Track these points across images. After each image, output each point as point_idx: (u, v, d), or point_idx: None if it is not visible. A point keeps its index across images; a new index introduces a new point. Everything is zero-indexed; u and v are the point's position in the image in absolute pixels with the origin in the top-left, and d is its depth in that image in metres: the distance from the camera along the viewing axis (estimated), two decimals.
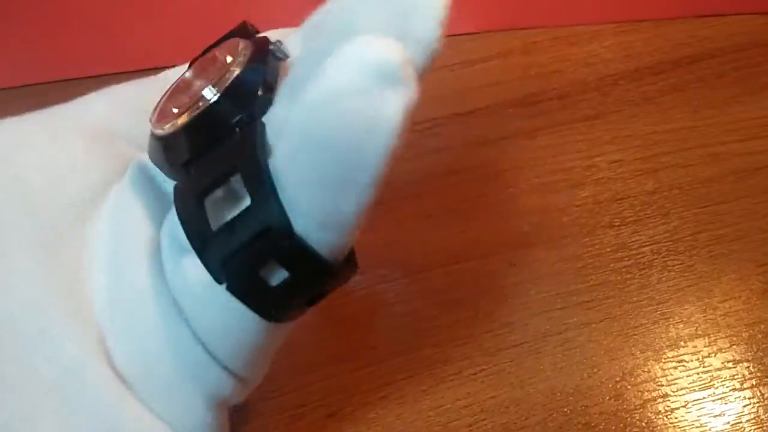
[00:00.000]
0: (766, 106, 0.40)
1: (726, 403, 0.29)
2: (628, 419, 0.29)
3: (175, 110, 0.20)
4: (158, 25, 0.43)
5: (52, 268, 0.19)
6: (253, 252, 0.18)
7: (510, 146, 0.39)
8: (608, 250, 0.34)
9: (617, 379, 0.30)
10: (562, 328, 0.32)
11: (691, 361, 0.31)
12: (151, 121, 0.21)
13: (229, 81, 0.20)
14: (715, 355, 0.31)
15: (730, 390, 0.30)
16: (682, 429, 0.29)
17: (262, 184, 0.17)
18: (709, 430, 0.29)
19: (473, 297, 0.33)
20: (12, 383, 0.18)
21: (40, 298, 0.19)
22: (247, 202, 0.18)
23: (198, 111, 0.20)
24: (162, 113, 0.21)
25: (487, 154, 0.39)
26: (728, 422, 0.29)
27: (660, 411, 0.29)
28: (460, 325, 0.33)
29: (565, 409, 0.30)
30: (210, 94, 0.20)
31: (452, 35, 0.44)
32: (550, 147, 0.39)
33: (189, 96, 0.20)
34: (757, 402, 0.29)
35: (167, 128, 0.20)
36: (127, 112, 0.23)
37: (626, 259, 0.34)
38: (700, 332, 0.31)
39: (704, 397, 0.30)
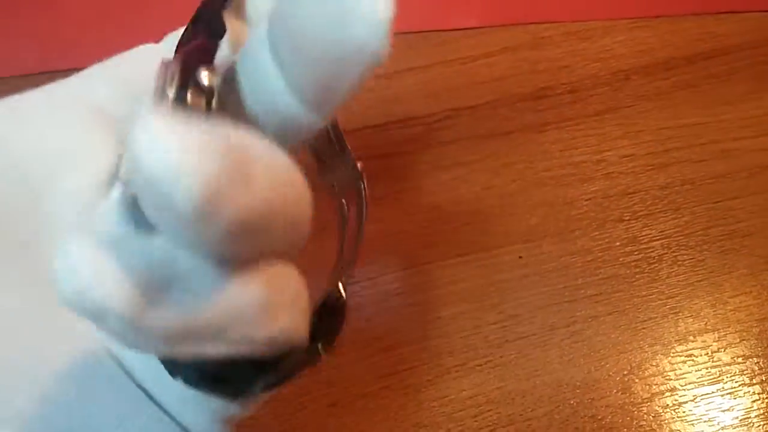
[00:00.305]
0: None
1: (735, 398, 0.29)
2: (635, 412, 0.29)
3: None
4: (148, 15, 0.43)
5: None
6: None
7: (519, 140, 0.39)
8: (618, 244, 0.34)
9: (625, 372, 0.30)
10: (569, 320, 0.32)
11: (701, 355, 0.30)
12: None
13: None
14: (724, 350, 0.30)
15: (739, 385, 0.29)
16: (690, 423, 0.28)
17: None
18: (717, 424, 0.28)
19: (480, 289, 0.33)
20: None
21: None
22: None
23: None
24: None
25: (496, 148, 0.39)
26: (737, 417, 0.28)
27: (668, 405, 0.29)
28: (466, 316, 0.32)
29: (572, 402, 0.29)
30: None
31: (462, 29, 0.44)
32: (560, 141, 0.39)
33: None
34: (766, 397, 0.29)
35: None
36: (125, 96, 0.22)
37: (636, 253, 0.34)
38: (709, 327, 0.31)
39: (713, 392, 0.29)
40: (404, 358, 0.31)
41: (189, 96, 0.16)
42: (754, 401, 0.29)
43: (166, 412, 0.18)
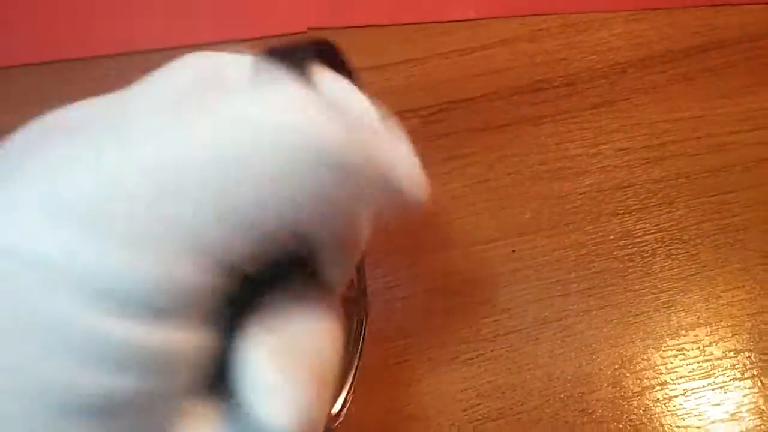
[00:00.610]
0: None
1: (725, 393, 0.29)
2: (626, 406, 0.29)
3: None
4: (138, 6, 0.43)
5: None
6: None
7: (515, 133, 0.39)
8: (611, 237, 0.34)
9: (616, 366, 0.30)
10: (561, 314, 0.32)
11: (692, 349, 0.30)
12: None
13: None
14: (716, 345, 0.30)
15: (730, 379, 0.29)
16: (680, 417, 0.28)
17: None
18: (708, 418, 0.28)
19: (473, 283, 0.33)
20: None
21: None
22: None
23: None
24: None
25: (492, 140, 0.38)
26: (727, 411, 0.28)
27: (658, 399, 0.29)
28: (458, 310, 0.32)
29: (562, 395, 0.29)
30: None
31: (460, 21, 0.44)
32: (556, 134, 0.38)
33: None
34: (757, 392, 0.29)
35: None
36: None
37: (629, 246, 0.34)
38: (701, 321, 0.31)
39: (704, 386, 0.29)
40: (396, 351, 0.31)
41: None
42: (744, 395, 0.29)
43: None
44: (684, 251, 0.33)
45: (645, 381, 0.29)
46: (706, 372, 0.29)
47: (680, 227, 0.34)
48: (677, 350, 0.30)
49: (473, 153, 0.38)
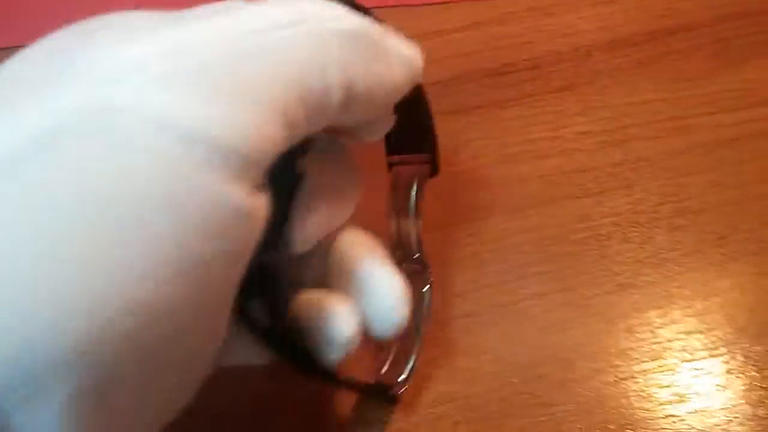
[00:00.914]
0: (741, 79, 0.39)
1: (675, 375, 0.29)
2: (577, 389, 0.29)
3: None
4: None
5: None
6: None
7: (479, 117, 0.39)
8: (569, 221, 0.34)
9: (568, 349, 0.30)
10: (516, 298, 0.32)
11: (643, 332, 0.30)
12: None
13: None
14: (667, 327, 0.30)
15: (680, 361, 0.29)
16: (628, 399, 0.29)
17: None
18: (657, 400, 0.28)
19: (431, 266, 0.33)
20: None
21: None
22: None
23: None
24: None
25: (456, 125, 0.39)
26: (675, 393, 0.29)
27: (609, 381, 0.29)
28: None
29: (514, 379, 0.30)
30: None
31: (430, 4, 0.44)
32: (520, 118, 0.39)
33: None
34: (706, 374, 0.29)
35: None
36: None
37: (586, 230, 0.34)
38: (654, 304, 0.31)
39: (653, 368, 0.29)
40: None
41: None
42: (694, 377, 0.29)
43: None
44: (639, 234, 0.33)
45: (596, 364, 0.30)
46: (656, 354, 0.30)
47: (637, 210, 0.34)
48: (628, 332, 0.30)
49: (440, 136, 0.38)
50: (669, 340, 0.30)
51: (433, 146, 0.28)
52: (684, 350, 0.30)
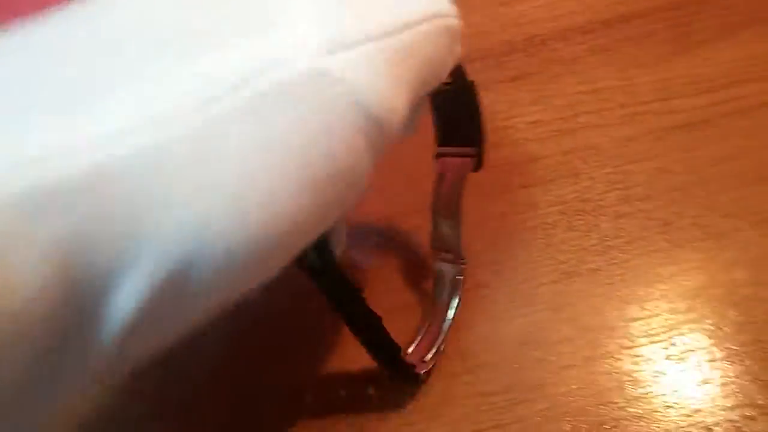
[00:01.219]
0: (693, 64, 0.39)
1: (615, 362, 0.29)
2: (520, 375, 0.29)
3: None
4: None
5: None
6: None
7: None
8: (517, 210, 0.34)
9: (512, 338, 0.30)
10: (465, 287, 0.32)
11: (587, 320, 0.30)
12: None
13: None
14: (610, 314, 0.30)
15: (621, 348, 0.30)
16: (569, 387, 0.29)
17: None
18: (595, 388, 0.29)
19: (380, 258, 0.33)
20: None
21: None
22: None
23: None
24: None
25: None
26: (618, 380, 0.29)
27: (552, 370, 0.29)
28: (364, 287, 0.32)
29: (454, 369, 0.30)
30: None
31: None
32: None
33: None
34: (644, 361, 0.29)
35: None
36: None
37: (533, 219, 0.34)
38: (597, 291, 0.31)
39: (595, 356, 0.29)
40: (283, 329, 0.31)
41: None
42: (633, 363, 0.29)
43: None
44: (584, 222, 0.33)
45: (538, 352, 0.30)
46: (598, 341, 0.30)
47: (584, 198, 0.34)
48: (572, 321, 0.30)
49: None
50: (611, 328, 0.30)
51: (481, 140, 0.29)
52: (624, 337, 0.30)
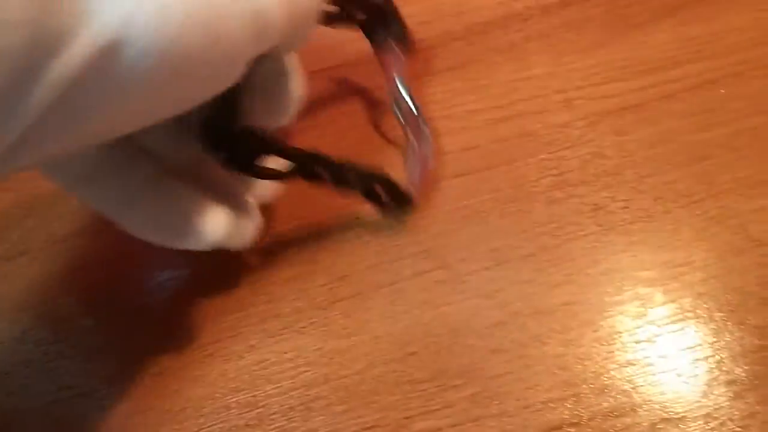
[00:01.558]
0: (628, 48, 0.39)
1: (544, 347, 0.30)
2: (449, 363, 0.30)
3: None
4: None
5: None
6: None
7: (371, 99, 0.39)
8: (451, 199, 0.34)
9: (441, 326, 0.31)
10: (395, 278, 0.32)
11: (518, 306, 0.31)
12: None
13: None
14: (541, 300, 0.31)
15: (551, 332, 0.30)
16: (503, 377, 0.29)
17: None
18: (525, 373, 0.29)
19: (315, 253, 0.34)
20: None
21: None
22: None
23: None
24: None
25: (347, 107, 0.39)
26: (556, 364, 0.29)
27: (482, 356, 0.30)
28: (298, 280, 0.33)
29: (386, 357, 0.30)
30: None
31: None
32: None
33: None
34: (574, 346, 0.30)
35: None
36: None
37: (467, 208, 0.34)
38: (526, 277, 0.32)
39: (526, 341, 0.30)
40: (229, 326, 0.32)
41: None
42: (563, 346, 0.30)
43: None
44: (517, 209, 0.34)
45: (470, 340, 0.30)
46: (527, 328, 0.30)
47: (517, 185, 0.34)
48: (503, 307, 0.31)
49: (329, 122, 0.38)
50: (541, 313, 0.30)
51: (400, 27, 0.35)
52: (556, 321, 0.30)
